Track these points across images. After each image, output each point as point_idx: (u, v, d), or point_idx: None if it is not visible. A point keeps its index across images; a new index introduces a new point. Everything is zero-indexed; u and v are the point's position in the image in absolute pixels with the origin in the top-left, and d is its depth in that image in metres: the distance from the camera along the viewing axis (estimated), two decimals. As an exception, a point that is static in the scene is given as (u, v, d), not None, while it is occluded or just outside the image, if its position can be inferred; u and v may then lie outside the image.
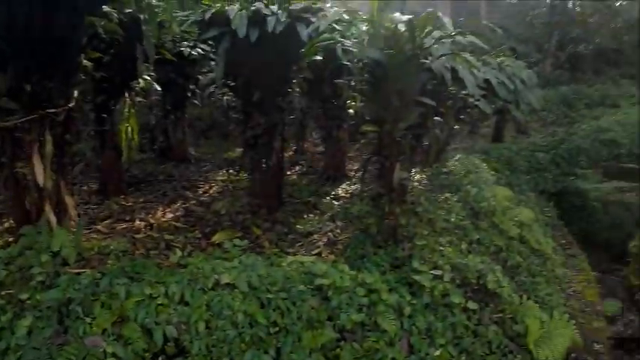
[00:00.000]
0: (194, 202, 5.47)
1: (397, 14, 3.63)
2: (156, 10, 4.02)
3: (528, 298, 4.53)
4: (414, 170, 5.12)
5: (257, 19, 3.95)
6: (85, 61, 3.83)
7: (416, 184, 6.10)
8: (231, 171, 6.95)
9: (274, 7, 4.05)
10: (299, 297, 3.10)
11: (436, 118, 4.19)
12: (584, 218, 9.32)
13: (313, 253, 4.34)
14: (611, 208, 9.05)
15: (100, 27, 3.92)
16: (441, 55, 3.62)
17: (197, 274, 3.05)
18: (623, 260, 7.88)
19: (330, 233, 4.73)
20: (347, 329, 3.14)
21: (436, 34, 3.69)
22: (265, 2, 4.17)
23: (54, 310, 2.65)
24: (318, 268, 3.39)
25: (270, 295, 3.03)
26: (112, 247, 3.59)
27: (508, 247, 5.53)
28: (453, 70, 3.67)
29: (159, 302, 2.76)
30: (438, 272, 3.98)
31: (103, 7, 3.80)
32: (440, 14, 3.52)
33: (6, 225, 4.13)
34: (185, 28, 4.80)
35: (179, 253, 3.59)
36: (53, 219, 3.32)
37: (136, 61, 4.13)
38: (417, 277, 3.76)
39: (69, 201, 3.61)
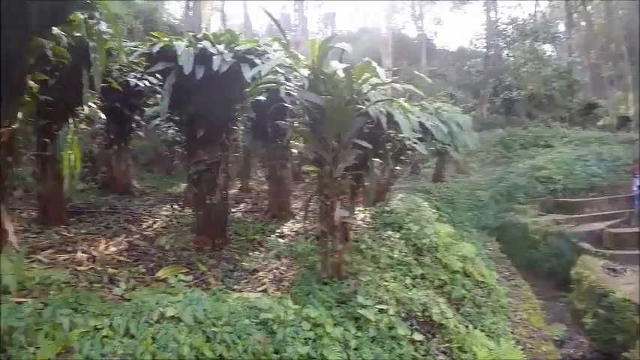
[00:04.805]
0: (138, 236, 5.32)
1: (336, 62, 3.79)
2: (105, 37, 3.98)
3: (475, 328, 4.67)
4: (357, 209, 5.23)
5: (203, 58, 4.04)
6: (30, 82, 3.67)
7: (360, 222, 6.25)
8: (175, 206, 6.87)
9: (221, 47, 4.14)
10: (244, 331, 3.08)
11: (375, 159, 4.34)
12: (525, 250, 9.55)
13: (259, 289, 4.29)
14: (550, 239, 9.20)
15: (49, 49, 3.76)
16: (378, 101, 3.83)
17: (142, 307, 3.00)
18: (566, 287, 7.99)
19: (275, 270, 4.71)
20: (294, 361, 3.12)
21: (373, 80, 3.93)
22: (212, 41, 4.27)
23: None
24: (262, 303, 3.40)
25: (215, 329, 2.99)
26: (53, 278, 3.44)
27: (452, 280, 5.68)
28: (389, 115, 3.89)
29: (104, 334, 2.70)
30: (384, 306, 4.03)
31: (53, 29, 3.64)
32: (374, 64, 3.70)
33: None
34: (133, 59, 4.78)
35: (123, 286, 3.54)
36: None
37: (82, 87, 4.01)
38: (362, 312, 3.79)
39: (9, 227, 3.36)
